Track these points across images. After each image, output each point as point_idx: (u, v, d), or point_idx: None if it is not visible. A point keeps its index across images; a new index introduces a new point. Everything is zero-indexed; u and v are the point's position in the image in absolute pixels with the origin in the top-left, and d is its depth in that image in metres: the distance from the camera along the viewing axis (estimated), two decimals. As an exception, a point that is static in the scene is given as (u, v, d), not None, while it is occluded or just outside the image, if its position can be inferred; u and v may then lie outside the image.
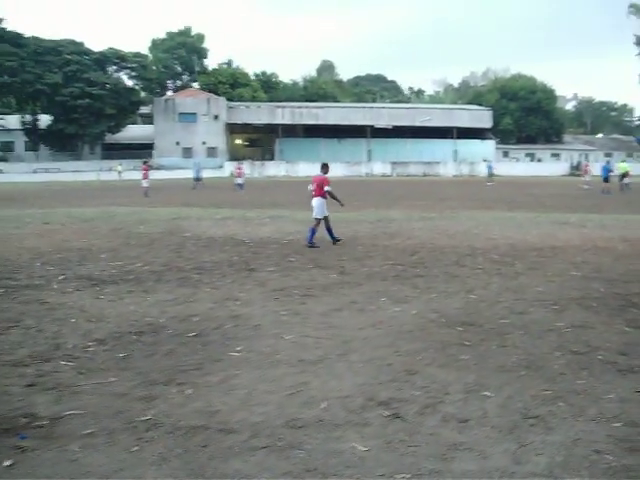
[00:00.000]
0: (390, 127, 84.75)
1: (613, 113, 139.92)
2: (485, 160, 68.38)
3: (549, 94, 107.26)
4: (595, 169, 53.89)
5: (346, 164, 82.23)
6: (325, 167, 16.51)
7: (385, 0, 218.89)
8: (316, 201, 16.18)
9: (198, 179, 49.51)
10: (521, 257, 14.02)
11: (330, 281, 11.35)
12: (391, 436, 5.06)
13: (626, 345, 7.52)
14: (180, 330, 8.13)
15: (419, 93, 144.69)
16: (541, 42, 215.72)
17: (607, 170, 44.15)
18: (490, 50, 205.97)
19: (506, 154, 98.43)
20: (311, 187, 16.47)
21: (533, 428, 5.22)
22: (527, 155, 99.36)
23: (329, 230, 16.12)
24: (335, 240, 16.10)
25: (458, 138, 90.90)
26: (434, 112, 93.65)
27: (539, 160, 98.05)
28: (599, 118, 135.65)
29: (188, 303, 9.68)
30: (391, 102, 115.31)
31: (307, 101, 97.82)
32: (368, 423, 5.31)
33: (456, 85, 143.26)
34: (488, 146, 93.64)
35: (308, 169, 79.38)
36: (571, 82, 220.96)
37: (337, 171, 77.66)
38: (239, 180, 46.71)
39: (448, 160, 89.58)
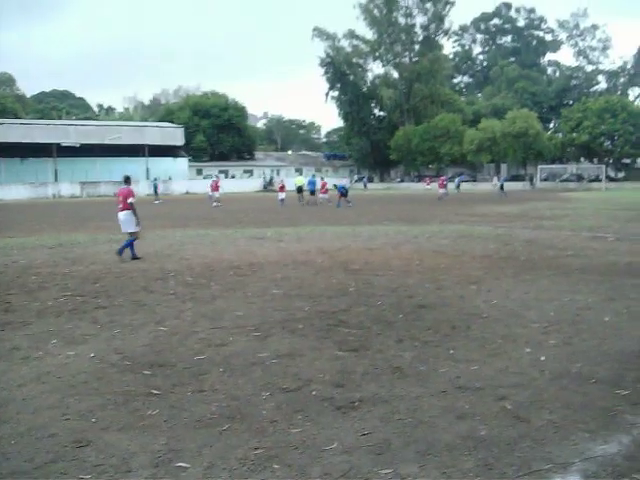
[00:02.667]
0: (78, 145, 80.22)
1: (302, 131, 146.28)
2: (155, 179, 65.84)
3: (241, 111, 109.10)
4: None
5: (30, 185, 76.48)
6: (128, 180, 16.61)
7: (72, 15, 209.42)
8: (123, 215, 15.99)
9: None
10: (218, 277, 12.85)
11: (-11, 322, 9.21)
12: None
13: (341, 373, 6.57)
14: None
15: (109, 110, 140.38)
16: (233, 62, 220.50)
17: (312, 183, 45.56)
18: (182, 69, 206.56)
19: (200, 171, 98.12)
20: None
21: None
22: (221, 172, 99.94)
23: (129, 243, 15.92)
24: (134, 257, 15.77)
25: (150, 156, 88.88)
26: (124, 129, 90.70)
27: (232, 177, 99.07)
28: (289, 135, 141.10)
29: None
30: (79, 119, 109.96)
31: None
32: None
33: (147, 103, 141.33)
34: (181, 164, 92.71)
35: (-13, 191, 72.93)
36: (262, 101, 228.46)
37: (20, 193, 72.33)
38: None
39: (140, 179, 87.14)
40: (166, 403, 5.78)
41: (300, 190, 46.88)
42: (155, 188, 59.00)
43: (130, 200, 15.90)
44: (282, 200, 44.24)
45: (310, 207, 40.82)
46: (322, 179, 48.97)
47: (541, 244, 18.06)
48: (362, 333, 8.21)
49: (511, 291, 11.06)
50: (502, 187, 59.33)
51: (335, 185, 43.94)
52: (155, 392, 6.07)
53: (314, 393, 6.01)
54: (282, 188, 46.26)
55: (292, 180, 55.18)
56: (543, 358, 7.05)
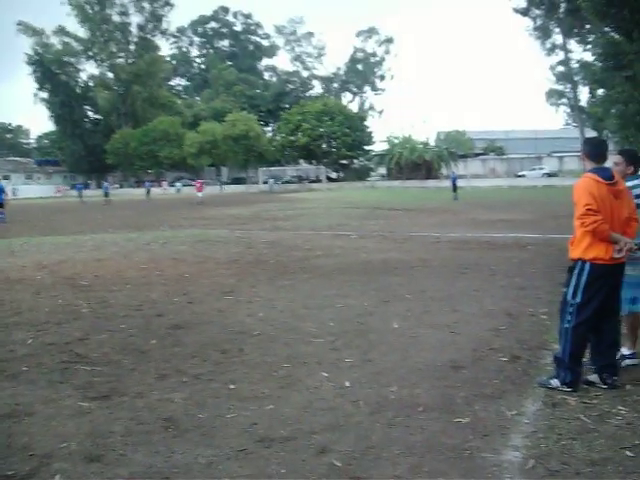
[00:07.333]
0: None
1: (9, 135, 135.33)
2: None
3: None
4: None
5: None
6: None
7: None
8: None
9: None
10: None
11: None
12: None
13: (92, 438, 4.75)
14: None
15: None
16: None
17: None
18: None
19: None
20: None
21: None
22: None
23: None
24: None
25: None
26: None
27: None
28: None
29: None
30: None
31: None
32: None
33: None
34: None
35: None
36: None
37: None
38: None
39: None
40: None
41: None
42: None
43: None
44: None
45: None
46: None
47: (286, 245, 17.07)
48: (111, 371, 6.35)
49: (274, 300, 9.72)
50: (148, 192, 62.19)
51: None
52: None
53: (58, 477, 4.12)
54: None
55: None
56: (348, 384, 5.73)
